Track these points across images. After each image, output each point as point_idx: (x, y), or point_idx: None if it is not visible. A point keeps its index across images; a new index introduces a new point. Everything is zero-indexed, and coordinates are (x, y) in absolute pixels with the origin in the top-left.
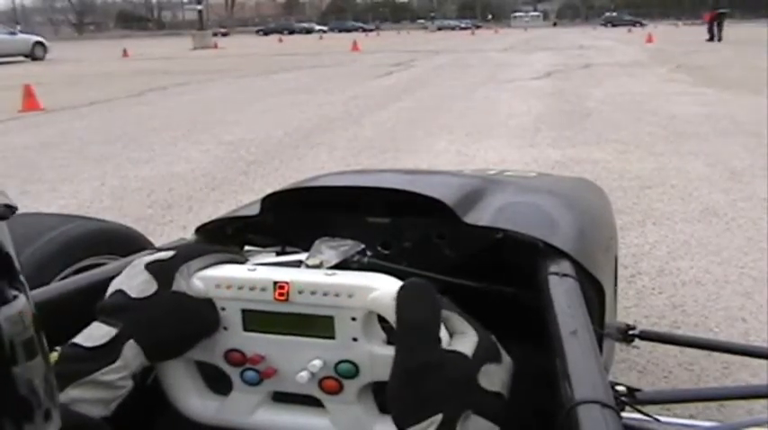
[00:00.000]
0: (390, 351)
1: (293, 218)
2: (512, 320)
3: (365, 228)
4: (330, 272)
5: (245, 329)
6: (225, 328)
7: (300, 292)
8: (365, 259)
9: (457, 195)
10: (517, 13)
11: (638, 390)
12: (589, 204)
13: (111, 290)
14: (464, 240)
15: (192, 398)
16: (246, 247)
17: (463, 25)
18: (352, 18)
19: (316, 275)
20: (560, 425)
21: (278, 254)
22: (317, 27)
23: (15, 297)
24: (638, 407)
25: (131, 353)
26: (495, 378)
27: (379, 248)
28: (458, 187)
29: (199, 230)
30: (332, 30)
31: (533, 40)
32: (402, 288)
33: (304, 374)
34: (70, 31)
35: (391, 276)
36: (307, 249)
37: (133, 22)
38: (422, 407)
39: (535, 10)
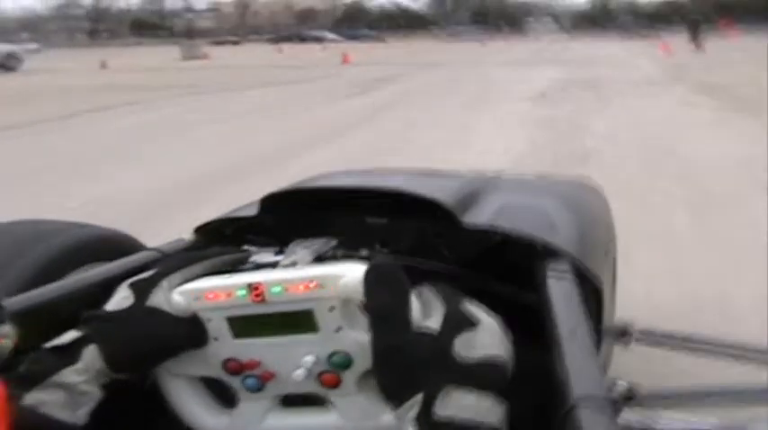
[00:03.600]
0: None
1: (292, 218)
2: (510, 321)
3: (364, 228)
4: (300, 267)
5: (235, 337)
6: (215, 339)
7: (275, 291)
8: (339, 253)
9: (455, 197)
10: (532, 22)
11: (636, 390)
12: (587, 205)
13: None
14: (462, 242)
15: (204, 415)
16: (245, 248)
17: (473, 34)
18: (366, 26)
19: (286, 272)
20: (559, 424)
21: (276, 254)
22: (330, 35)
23: None
24: (637, 406)
25: (91, 357)
26: (474, 344)
27: (377, 249)
28: (456, 189)
29: (198, 231)
30: (344, 38)
31: (542, 52)
32: (367, 272)
33: (300, 372)
34: (84, 38)
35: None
36: None
37: (146, 30)
38: (402, 390)
39: (551, 19)
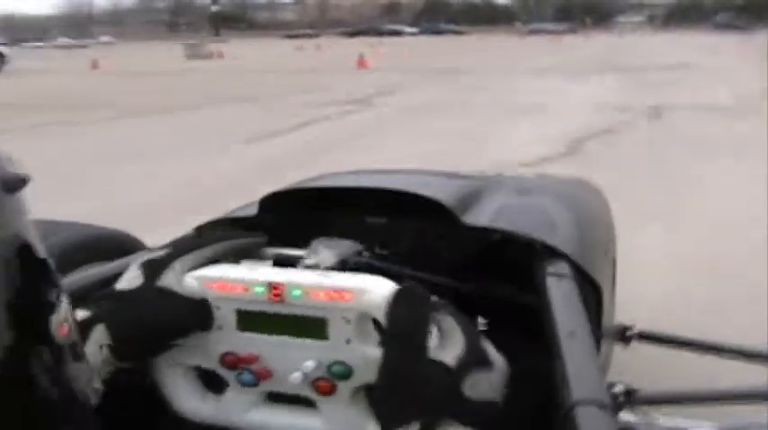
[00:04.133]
0: None
1: (292, 218)
2: (510, 321)
3: (364, 228)
4: (325, 273)
5: (240, 329)
6: (219, 328)
7: (295, 294)
8: (363, 260)
9: (455, 196)
10: (619, 17)
11: (635, 391)
12: (587, 205)
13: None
14: (462, 241)
15: (189, 399)
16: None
17: (555, 28)
18: (447, 20)
19: (310, 277)
20: (559, 425)
21: (276, 254)
22: (407, 29)
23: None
24: (637, 406)
25: (99, 337)
26: (482, 384)
27: (377, 249)
28: (456, 188)
29: (197, 231)
30: (423, 32)
31: (612, 52)
32: (396, 294)
33: (297, 375)
34: (164, 32)
35: (386, 278)
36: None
37: (226, 23)
38: (401, 415)
39: (639, 14)
